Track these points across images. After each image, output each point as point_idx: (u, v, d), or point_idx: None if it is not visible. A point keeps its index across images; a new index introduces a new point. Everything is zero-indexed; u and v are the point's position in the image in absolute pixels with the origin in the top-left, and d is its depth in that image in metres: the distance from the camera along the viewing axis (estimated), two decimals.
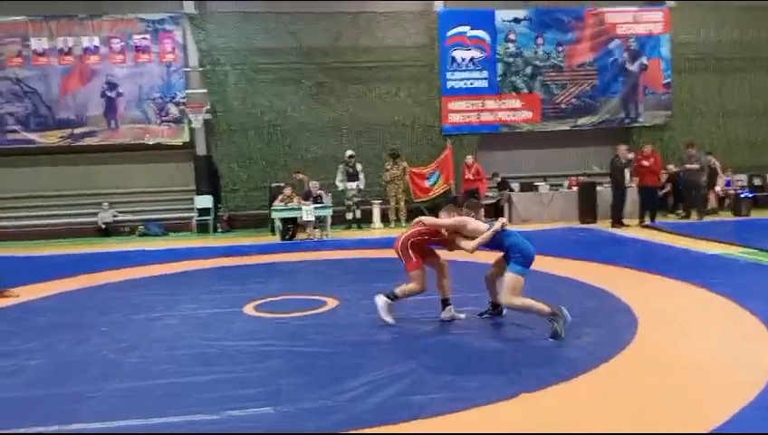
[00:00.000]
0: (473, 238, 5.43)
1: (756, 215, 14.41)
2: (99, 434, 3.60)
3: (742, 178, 16.13)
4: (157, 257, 10.74)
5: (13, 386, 4.45)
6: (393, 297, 5.77)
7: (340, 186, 14.60)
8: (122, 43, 15.11)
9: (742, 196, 14.84)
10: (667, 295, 6.68)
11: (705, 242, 10.24)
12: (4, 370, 4.82)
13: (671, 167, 15.26)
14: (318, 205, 13.07)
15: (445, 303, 5.84)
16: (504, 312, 5.79)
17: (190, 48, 15.33)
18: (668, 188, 15.19)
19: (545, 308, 5.14)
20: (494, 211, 15.61)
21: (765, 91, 16.63)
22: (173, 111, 15.31)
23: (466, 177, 14.90)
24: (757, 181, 16.24)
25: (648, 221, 13.33)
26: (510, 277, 5.23)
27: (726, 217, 14.53)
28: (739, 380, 4.00)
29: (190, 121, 15.19)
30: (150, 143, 15.26)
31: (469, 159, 15.09)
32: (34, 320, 6.51)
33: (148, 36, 15.18)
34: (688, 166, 13.99)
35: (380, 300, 5.79)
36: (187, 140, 15.42)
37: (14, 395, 4.27)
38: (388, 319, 5.72)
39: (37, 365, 4.92)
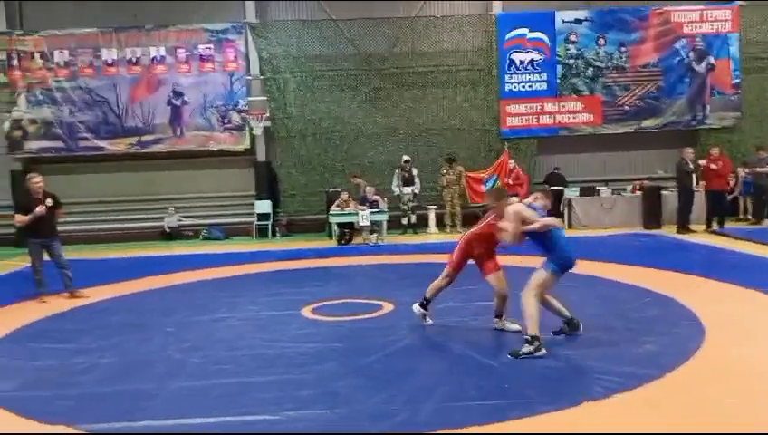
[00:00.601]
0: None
1: None
2: (163, 433, 3.72)
3: None
4: (218, 261, 11.02)
5: (84, 383, 4.66)
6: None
7: (396, 190, 14.63)
8: (187, 53, 15.61)
9: None
10: (734, 303, 6.41)
11: None
12: (76, 367, 5.06)
13: (740, 170, 14.61)
14: (374, 210, 13.14)
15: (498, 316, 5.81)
16: (581, 327, 5.43)
17: (252, 56, 15.70)
18: (737, 192, 14.55)
19: (533, 328, 4.89)
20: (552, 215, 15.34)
21: None
22: (235, 118, 15.70)
23: (505, 181, 14.67)
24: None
25: (716, 227, 12.79)
26: (542, 273, 5.10)
27: None
28: None
29: (251, 128, 15.54)
30: (214, 150, 15.68)
31: (511, 163, 14.90)
32: (104, 320, 6.79)
33: (211, 46, 15.63)
34: (759, 169, 13.37)
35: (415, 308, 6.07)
36: (248, 146, 15.78)
37: (86, 391, 4.47)
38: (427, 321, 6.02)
39: (107, 363, 5.14)
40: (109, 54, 15.44)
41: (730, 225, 13.07)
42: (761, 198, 13.60)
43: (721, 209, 13.03)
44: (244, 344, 5.50)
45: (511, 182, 14.56)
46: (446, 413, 3.74)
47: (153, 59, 15.53)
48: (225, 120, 15.67)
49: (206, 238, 15.28)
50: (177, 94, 15.59)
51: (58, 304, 7.74)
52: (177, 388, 4.45)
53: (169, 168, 15.91)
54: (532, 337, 4.84)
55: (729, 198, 13.94)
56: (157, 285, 8.78)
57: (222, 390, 4.36)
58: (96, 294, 8.18)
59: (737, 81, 15.70)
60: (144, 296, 8.13)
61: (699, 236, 12.01)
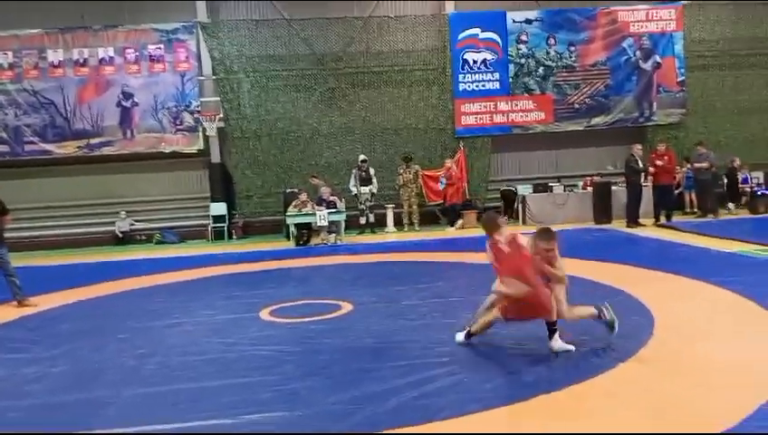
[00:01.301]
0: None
1: (725, 216, 14.13)
2: None
3: (758, 176, 15.92)
4: (173, 265, 10.83)
5: (36, 393, 4.53)
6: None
7: (354, 190, 14.64)
8: (137, 54, 15.29)
9: (758, 193, 14.66)
10: (683, 295, 6.63)
11: (722, 240, 10.13)
12: (27, 377, 4.91)
13: (688, 166, 15.14)
14: (331, 210, 13.12)
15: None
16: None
17: (204, 57, 15.48)
18: (682, 187, 15.07)
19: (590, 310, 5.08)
20: (504, 213, 15.62)
21: None
22: (187, 119, 15.46)
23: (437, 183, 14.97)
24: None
25: (663, 220, 13.22)
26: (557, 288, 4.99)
27: (743, 214, 14.35)
28: (756, 379, 3.97)
29: (204, 129, 15.33)
30: (166, 152, 15.41)
31: (448, 162, 15.01)
32: (55, 328, 6.61)
33: (162, 46, 15.35)
34: (697, 165, 13.86)
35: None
36: (202, 147, 15.56)
37: (38, 401, 4.34)
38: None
39: (59, 372, 5.00)
40: (55, 56, 15.01)
41: (678, 218, 13.51)
42: (703, 192, 14.09)
43: (668, 203, 13.47)
44: (201, 349, 5.42)
45: (446, 181, 14.67)
46: (406, 411, 3.76)
47: (101, 60, 15.17)
48: (178, 122, 15.42)
49: (159, 242, 15.00)
50: (127, 96, 15.26)
51: (6, 313, 7.50)
52: (133, 395, 4.36)
53: (120, 171, 15.56)
54: (598, 313, 4.99)
55: (676, 192, 14.42)
56: (109, 292, 8.58)
57: (179, 396, 4.29)
58: (46, 302, 7.95)
59: (682, 78, 16.26)
60: (96, 303, 7.93)
61: (648, 230, 12.39)
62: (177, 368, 4.92)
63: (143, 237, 15.41)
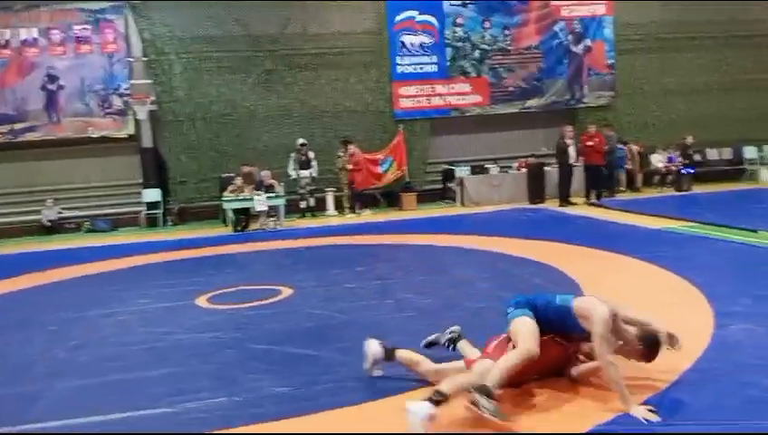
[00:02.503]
0: None
1: (697, 189, 14.96)
2: (50, 434, 3.54)
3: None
4: (105, 254, 10.47)
5: None
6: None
7: (293, 174, 14.49)
8: (62, 34, 14.58)
9: (683, 172, 15.37)
10: (613, 270, 6.92)
11: (650, 217, 10.59)
12: None
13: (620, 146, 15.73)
14: (270, 194, 12.96)
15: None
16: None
17: (133, 37, 14.91)
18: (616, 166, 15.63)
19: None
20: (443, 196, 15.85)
21: (704, 70, 17.18)
22: (117, 102, 14.89)
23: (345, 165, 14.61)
24: (697, 157, 16.79)
25: (594, 199, 13.70)
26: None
27: (669, 192, 15.03)
28: (682, 346, 4.19)
29: (135, 113, 14.81)
30: (94, 136, 14.82)
31: (351, 147, 14.73)
32: None
33: (88, 26, 14.69)
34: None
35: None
36: (133, 132, 15.04)
37: None
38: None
39: None
40: None
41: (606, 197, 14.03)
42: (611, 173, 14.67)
43: (598, 183, 13.96)
44: (136, 339, 5.30)
45: (350, 167, 14.49)
46: (346, 392, 3.80)
47: (24, 41, 14.43)
48: (106, 105, 14.85)
49: (89, 231, 14.47)
50: (52, 78, 14.58)
51: None
52: (65, 388, 4.23)
53: (47, 157, 14.88)
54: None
55: (605, 172, 14.93)
56: (37, 283, 8.24)
57: (114, 386, 4.19)
58: None
59: (612, 61, 16.78)
60: (23, 295, 7.61)
61: (579, 209, 12.82)
62: (111, 358, 4.80)
63: (73, 226, 14.82)
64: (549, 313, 3.69)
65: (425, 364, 3.91)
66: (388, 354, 3.97)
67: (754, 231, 8.32)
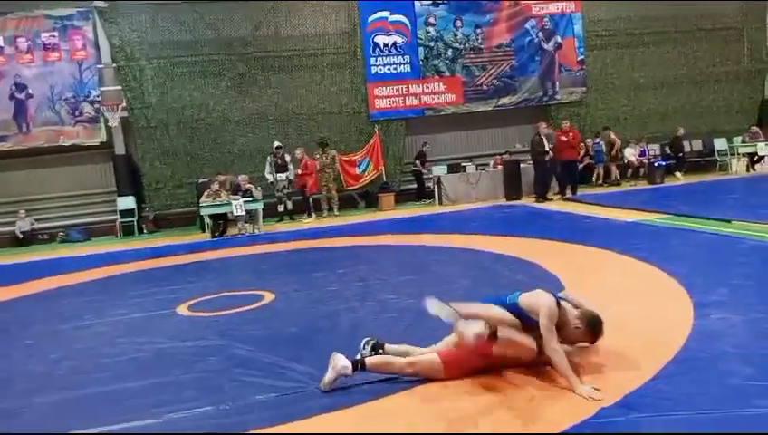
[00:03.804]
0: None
1: (670, 182, 15.21)
2: None
3: (655, 148, 16.95)
4: (80, 264, 10.30)
5: None
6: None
7: (270, 178, 14.41)
8: (29, 42, 14.34)
9: (656, 164, 15.61)
10: (592, 264, 6.99)
11: (625, 211, 10.73)
12: None
13: (589, 141, 15.95)
14: (247, 199, 12.87)
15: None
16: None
17: (102, 44, 14.70)
18: (587, 161, 15.84)
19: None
20: (418, 195, 15.88)
21: (673, 64, 17.50)
22: (88, 110, 14.69)
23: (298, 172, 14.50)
24: (669, 150, 17.07)
25: (569, 194, 13.85)
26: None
27: (642, 185, 15.25)
28: (661, 339, 4.24)
29: (107, 120, 14.60)
30: (66, 145, 14.60)
31: (298, 152, 14.62)
32: None
33: (56, 33, 14.46)
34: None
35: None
36: (105, 139, 14.84)
37: None
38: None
39: None
40: None
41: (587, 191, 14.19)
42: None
43: (573, 178, 14.11)
44: (116, 350, 5.20)
45: (300, 172, 14.41)
46: (334, 397, 3.78)
47: None
48: (77, 113, 14.63)
49: (64, 241, 14.24)
50: (21, 87, 14.34)
51: None
52: (46, 402, 4.14)
53: (17, 167, 14.63)
54: None
55: (580, 166, 15.12)
56: (10, 296, 8.06)
57: (96, 399, 4.11)
58: None
59: (582, 57, 16.98)
60: None
61: (555, 204, 12.95)
62: (91, 371, 4.71)
63: (46, 237, 14.56)
64: (508, 310, 3.84)
65: (396, 363, 3.94)
66: (359, 365, 3.91)
67: (728, 221, 8.48)
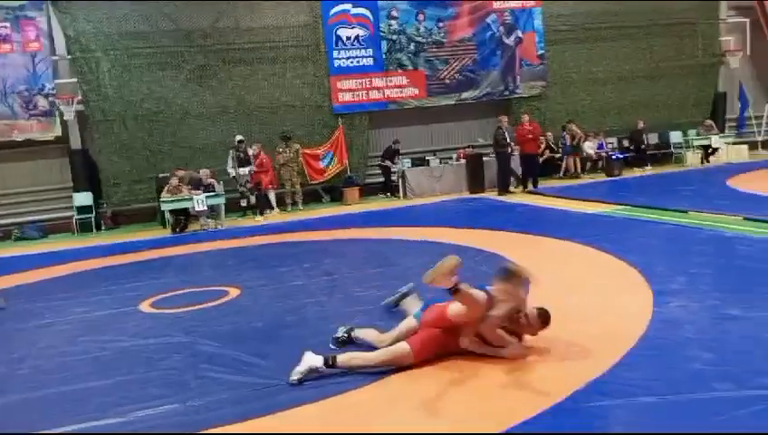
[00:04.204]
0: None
1: (627, 174, 15.55)
2: None
3: (612, 141, 17.32)
4: (37, 262, 10.01)
5: None
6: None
7: (232, 172, 14.21)
8: None
9: (613, 157, 15.95)
10: (553, 254, 7.13)
11: (585, 202, 10.95)
12: None
13: (549, 135, 16.19)
14: (209, 193, 12.69)
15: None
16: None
17: (57, 35, 14.26)
18: (548, 154, 16.08)
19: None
20: (384, 188, 15.88)
21: (630, 58, 17.84)
22: (42, 103, 14.24)
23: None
24: (626, 143, 17.47)
25: (531, 187, 14.05)
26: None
27: (600, 177, 15.56)
28: (623, 327, 4.36)
29: (61, 114, 14.19)
30: (19, 140, 14.14)
31: (254, 148, 14.18)
32: None
33: (7, 24, 13.97)
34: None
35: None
36: (60, 134, 14.42)
37: None
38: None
39: None
40: None
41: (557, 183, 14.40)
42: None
43: (534, 171, 14.32)
44: (78, 349, 5.09)
45: (255, 169, 14.12)
46: (300, 392, 3.77)
47: None
48: (31, 106, 14.18)
49: (19, 239, 13.82)
50: None
51: None
52: (6, 403, 4.03)
53: None
54: None
55: (540, 160, 15.34)
56: None
57: (58, 399, 4.02)
58: None
59: (542, 52, 17.20)
60: None
61: (517, 197, 13.13)
62: (53, 370, 4.60)
63: (0, 234, 14.10)
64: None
65: (366, 357, 4.02)
66: (329, 363, 3.94)
67: (685, 211, 8.74)
